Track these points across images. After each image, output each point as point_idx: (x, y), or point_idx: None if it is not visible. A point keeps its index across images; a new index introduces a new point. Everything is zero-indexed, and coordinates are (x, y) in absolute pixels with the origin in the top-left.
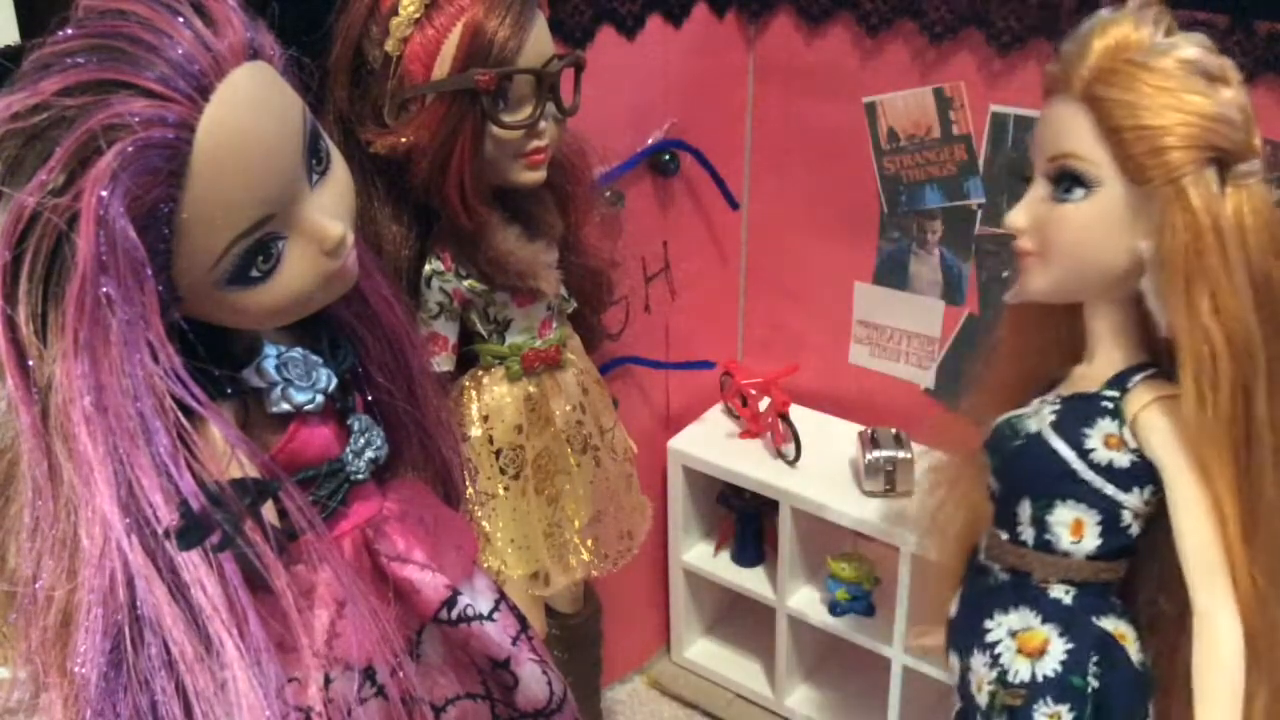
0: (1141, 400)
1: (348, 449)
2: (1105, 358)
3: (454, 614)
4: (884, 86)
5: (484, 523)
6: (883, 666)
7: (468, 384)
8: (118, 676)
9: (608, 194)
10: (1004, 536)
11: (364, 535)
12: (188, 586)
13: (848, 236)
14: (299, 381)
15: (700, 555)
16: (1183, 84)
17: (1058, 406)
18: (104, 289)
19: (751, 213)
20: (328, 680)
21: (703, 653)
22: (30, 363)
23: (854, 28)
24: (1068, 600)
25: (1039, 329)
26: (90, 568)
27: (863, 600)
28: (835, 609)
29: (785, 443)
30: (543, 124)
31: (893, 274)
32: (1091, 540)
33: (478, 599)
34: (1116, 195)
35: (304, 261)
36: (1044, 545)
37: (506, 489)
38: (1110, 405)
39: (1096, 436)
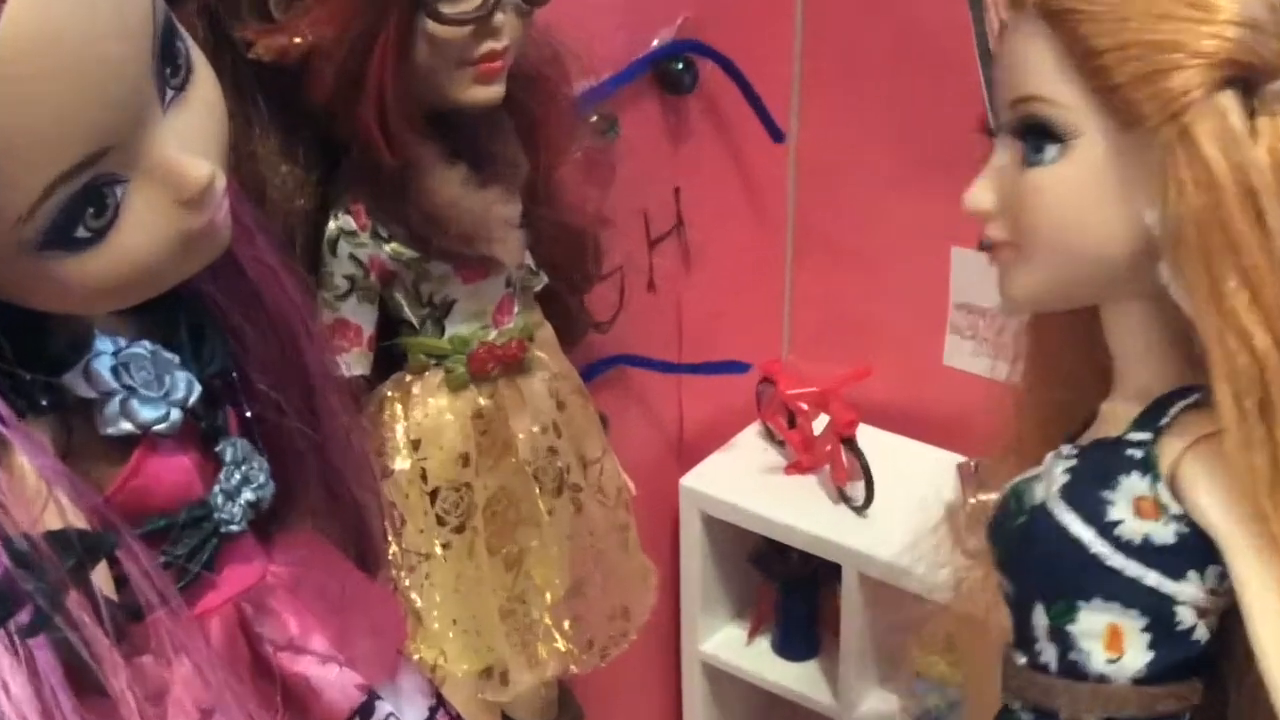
0: (1182, 442)
1: (216, 488)
2: (1136, 383)
3: None
4: None
5: (414, 595)
6: None
7: (391, 394)
8: None
9: (594, 119)
10: (1021, 660)
11: (240, 613)
12: None
13: (942, 183)
14: (146, 390)
15: (727, 642)
16: None
17: (1073, 462)
18: None
19: (801, 147)
20: None
21: None
22: None
23: None
24: None
25: (1061, 349)
26: None
27: (961, 708)
28: None
29: (851, 480)
30: (499, 16)
31: None
32: (1137, 656)
33: (405, 706)
34: (1101, 148)
35: (153, 215)
36: (1070, 669)
37: (447, 546)
38: (1139, 453)
39: (1123, 503)
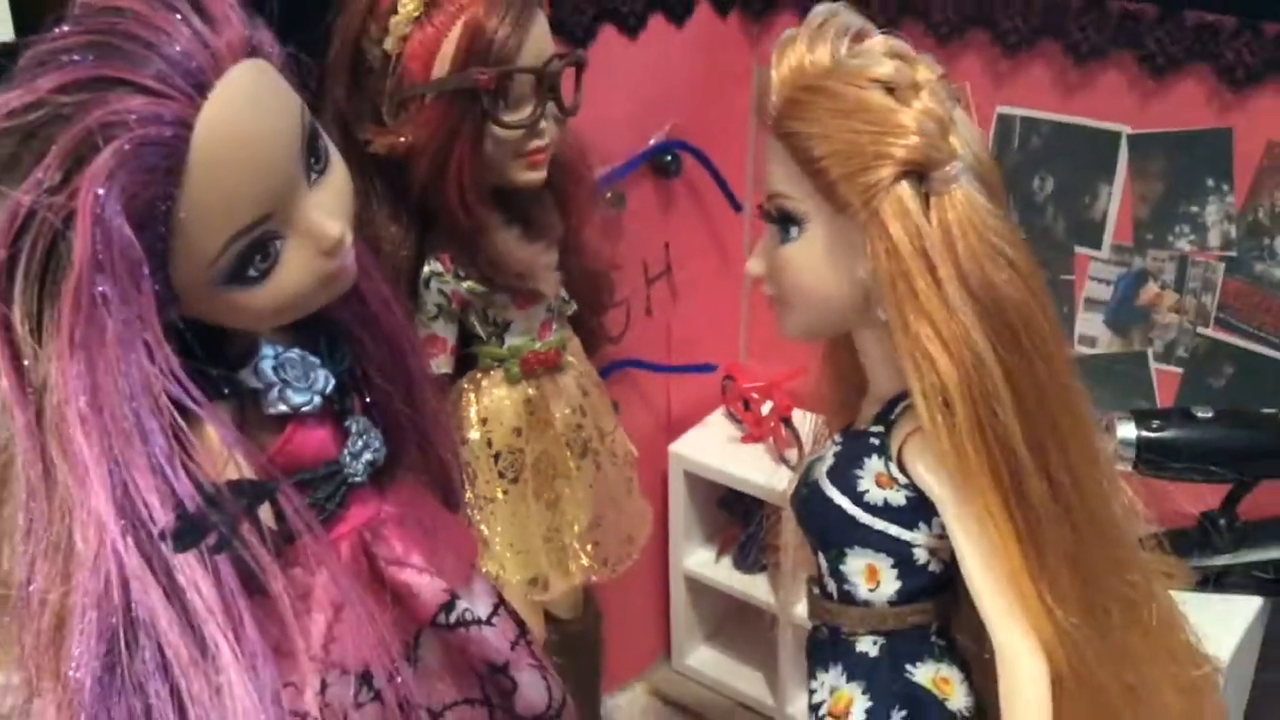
0: (903, 433)
1: (345, 451)
2: (880, 387)
3: (452, 618)
4: None
5: (482, 527)
6: None
7: (466, 386)
8: (112, 681)
9: (609, 195)
10: (816, 591)
11: (362, 538)
12: (183, 589)
13: None
14: (296, 383)
15: (702, 561)
16: (863, 103)
17: (839, 448)
18: (100, 288)
19: (754, 214)
20: (324, 685)
21: (704, 660)
22: (25, 363)
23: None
24: (875, 653)
25: (835, 361)
26: (85, 570)
27: None
28: None
29: (788, 447)
30: (543, 123)
31: None
32: (889, 585)
33: (476, 603)
34: (825, 228)
35: (302, 261)
36: (846, 596)
37: (505, 493)
38: (876, 441)
39: (868, 477)
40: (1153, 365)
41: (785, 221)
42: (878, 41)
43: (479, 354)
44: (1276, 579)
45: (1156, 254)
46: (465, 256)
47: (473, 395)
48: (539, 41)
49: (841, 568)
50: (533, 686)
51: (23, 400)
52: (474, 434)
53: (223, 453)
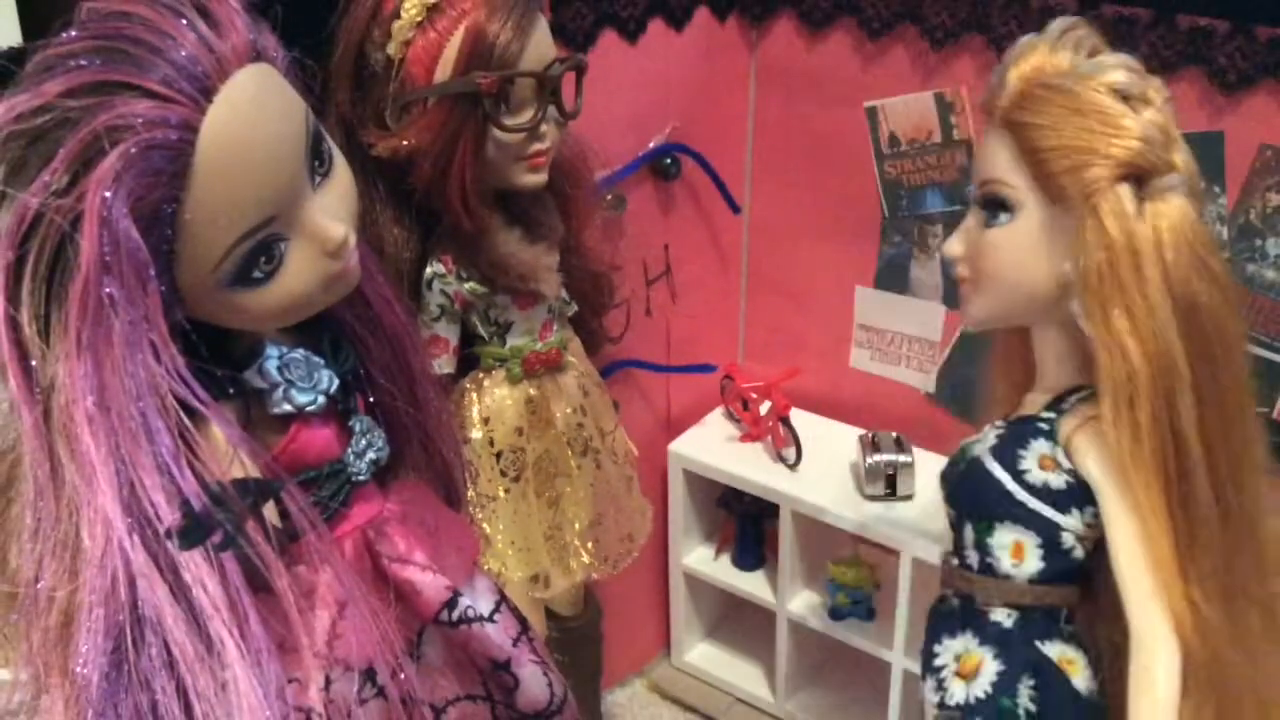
0: (1076, 421)
1: (349, 450)
2: (1050, 381)
3: (455, 615)
4: (885, 91)
5: (485, 525)
6: (883, 671)
7: (469, 386)
8: (119, 677)
9: (609, 197)
10: (954, 562)
11: (365, 536)
12: (189, 586)
13: (849, 241)
14: (301, 383)
15: (701, 558)
16: (1096, 105)
17: (1001, 431)
18: (107, 289)
19: (753, 216)
20: (328, 681)
21: (703, 656)
22: (33, 363)
23: (855, 32)
24: (1008, 624)
25: (1007, 353)
26: (92, 568)
27: (863, 604)
28: (835, 613)
29: (786, 446)
30: (544, 127)
31: (894, 278)
32: (1033, 563)
33: (479, 600)
34: (1037, 217)
35: (306, 263)
36: (987, 569)
37: (507, 491)
38: (1046, 427)
39: (1031, 458)
40: None
41: (996, 207)
42: (1113, 56)
43: (481, 354)
44: None
45: None
46: (467, 258)
47: (475, 395)
48: (540, 46)
49: (989, 540)
50: (534, 682)
51: (30, 400)
52: (476, 433)
53: (228, 452)
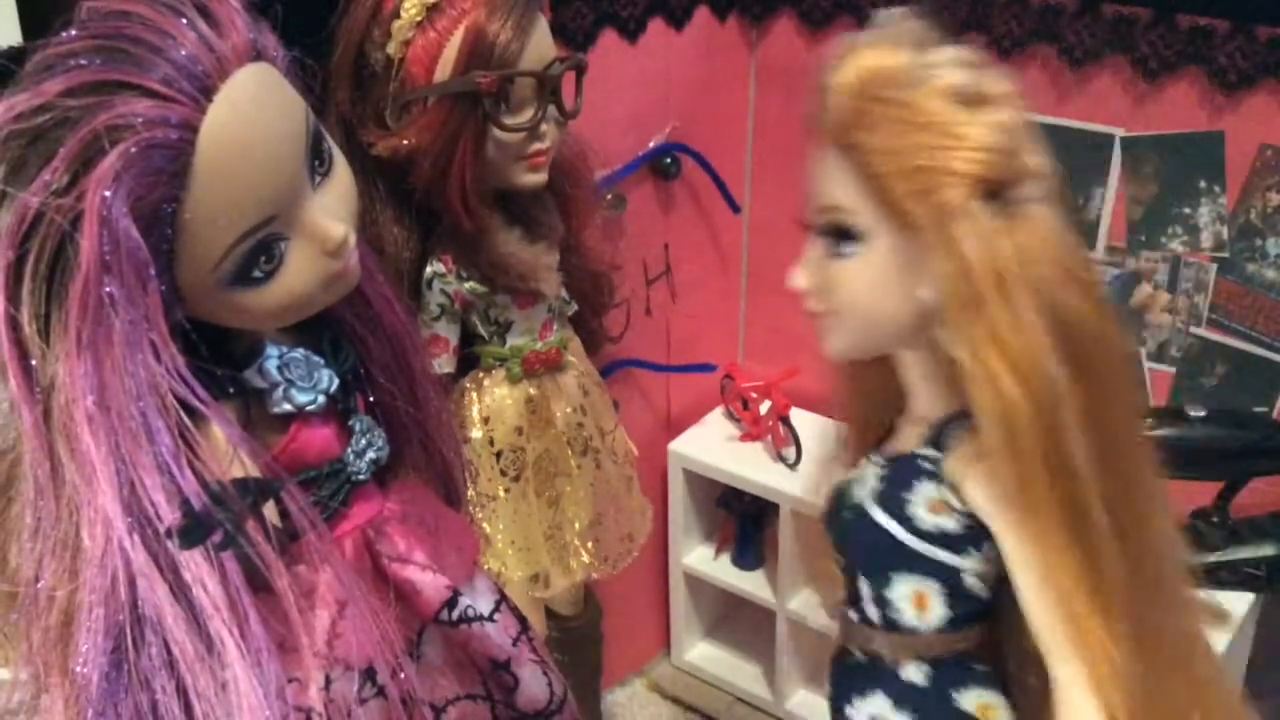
0: (961, 459)
1: (349, 449)
2: (924, 409)
3: (454, 615)
4: None
5: (485, 524)
6: None
7: (469, 386)
8: (119, 676)
9: (609, 197)
10: (854, 616)
11: (365, 536)
12: (189, 586)
13: None
14: (301, 382)
15: (700, 558)
16: (937, 116)
17: (882, 470)
18: (107, 289)
19: (753, 216)
20: (328, 681)
21: (703, 656)
22: (33, 362)
23: (855, 31)
24: (921, 681)
25: (860, 378)
26: (92, 568)
27: None
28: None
29: (786, 446)
30: (544, 126)
31: None
32: (938, 611)
33: (478, 600)
34: (888, 244)
35: (306, 262)
36: (890, 624)
37: (507, 491)
38: (930, 466)
39: (919, 502)
40: (1146, 365)
41: (841, 236)
42: (946, 51)
43: (481, 354)
44: (1268, 576)
45: (1149, 255)
46: (467, 257)
47: (475, 394)
48: (540, 45)
49: (887, 594)
50: (534, 682)
51: (31, 400)
52: (476, 432)
53: (228, 451)
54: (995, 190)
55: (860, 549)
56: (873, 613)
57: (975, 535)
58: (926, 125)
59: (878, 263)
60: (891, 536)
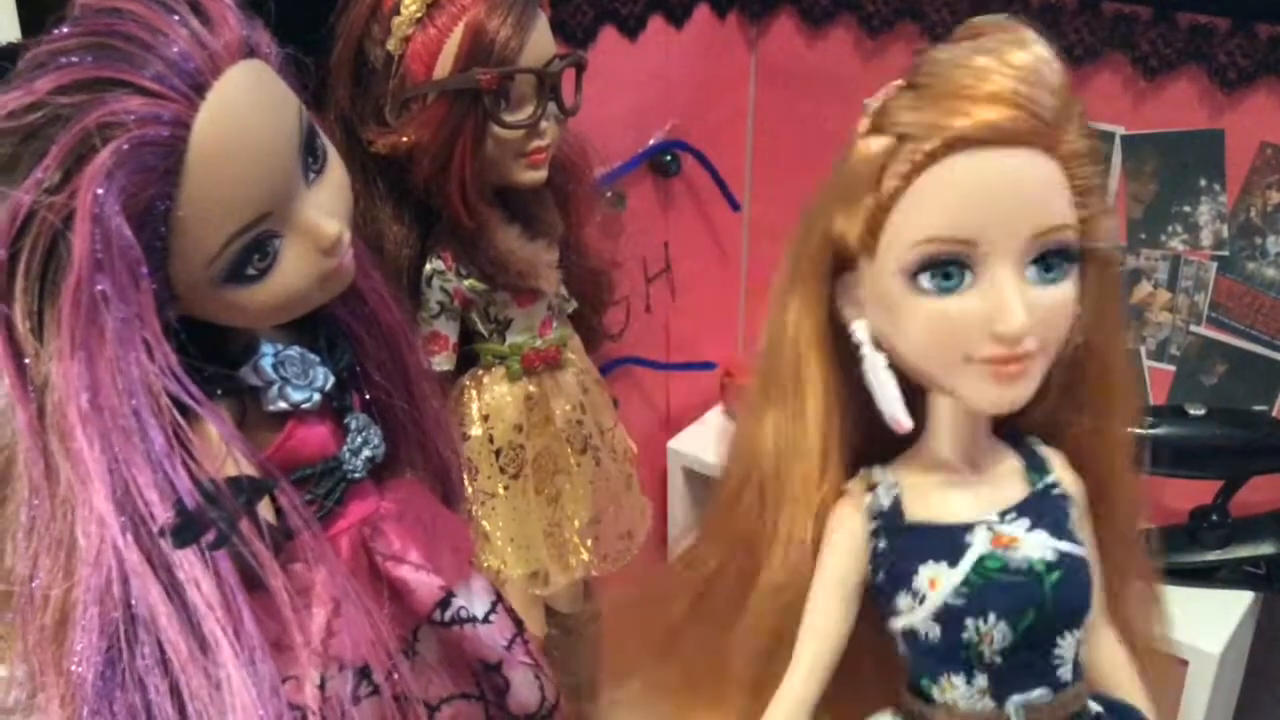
0: (1066, 474)
1: (345, 448)
2: (964, 441)
3: (447, 615)
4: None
5: (483, 522)
6: None
7: (468, 383)
8: (113, 676)
9: (609, 194)
10: (1045, 697)
11: (361, 534)
12: (183, 585)
13: None
14: (296, 380)
15: None
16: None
17: (1020, 518)
18: (100, 287)
19: (753, 214)
20: (323, 679)
21: None
22: (26, 361)
23: (856, 29)
24: None
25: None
26: (86, 567)
27: None
28: None
29: None
30: (544, 124)
31: None
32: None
33: (473, 601)
34: (1077, 265)
35: (300, 260)
36: (1078, 672)
37: (506, 488)
38: (1058, 491)
39: (1075, 529)
40: (1145, 363)
41: (1061, 259)
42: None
43: (480, 351)
44: (1267, 574)
45: (1149, 253)
46: (467, 255)
47: (474, 392)
48: (540, 42)
49: (1079, 637)
50: (525, 686)
51: (24, 398)
52: (476, 430)
53: (222, 450)
54: None
55: (1082, 596)
56: (1066, 672)
57: None
58: (1092, 134)
59: (1074, 285)
60: (1089, 565)
